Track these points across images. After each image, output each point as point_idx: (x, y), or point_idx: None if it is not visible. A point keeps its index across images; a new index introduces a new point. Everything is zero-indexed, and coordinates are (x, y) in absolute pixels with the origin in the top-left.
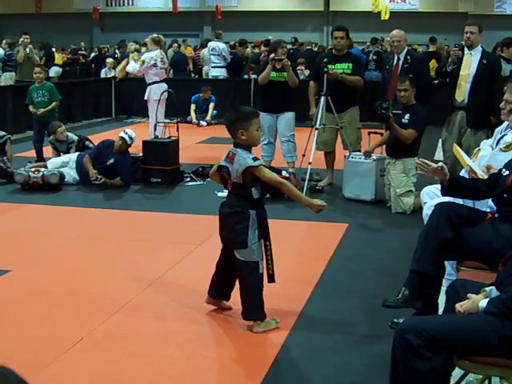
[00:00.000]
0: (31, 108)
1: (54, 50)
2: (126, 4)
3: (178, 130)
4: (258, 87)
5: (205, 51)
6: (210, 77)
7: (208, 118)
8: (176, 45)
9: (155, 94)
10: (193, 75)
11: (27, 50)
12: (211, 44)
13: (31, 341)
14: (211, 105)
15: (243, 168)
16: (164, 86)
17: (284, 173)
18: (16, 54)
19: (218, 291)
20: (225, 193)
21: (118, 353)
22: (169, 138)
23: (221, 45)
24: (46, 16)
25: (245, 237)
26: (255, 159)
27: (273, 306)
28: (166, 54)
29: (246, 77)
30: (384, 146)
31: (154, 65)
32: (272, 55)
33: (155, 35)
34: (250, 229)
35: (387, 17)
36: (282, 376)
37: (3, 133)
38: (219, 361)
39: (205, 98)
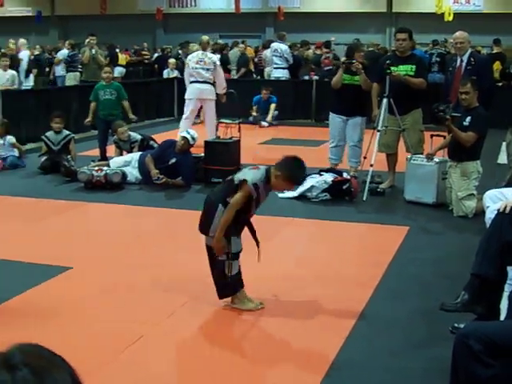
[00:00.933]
0: (93, 105)
1: (117, 50)
2: (188, 5)
3: (239, 131)
4: (330, 90)
5: (267, 52)
6: (272, 78)
7: (269, 118)
8: (242, 46)
9: (189, 93)
10: (254, 76)
11: (93, 50)
12: (274, 45)
13: (92, 337)
14: (272, 105)
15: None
16: (195, 86)
17: (345, 175)
18: (82, 55)
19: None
20: (285, 193)
21: (175, 352)
22: (230, 138)
23: (283, 46)
24: (110, 17)
25: (208, 225)
26: (251, 182)
27: (332, 307)
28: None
29: (306, 78)
30: (446, 149)
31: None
32: (343, 58)
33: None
34: (215, 220)
35: (451, 18)
36: (339, 379)
37: (67, 132)
38: (275, 363)
39: (265, 98)
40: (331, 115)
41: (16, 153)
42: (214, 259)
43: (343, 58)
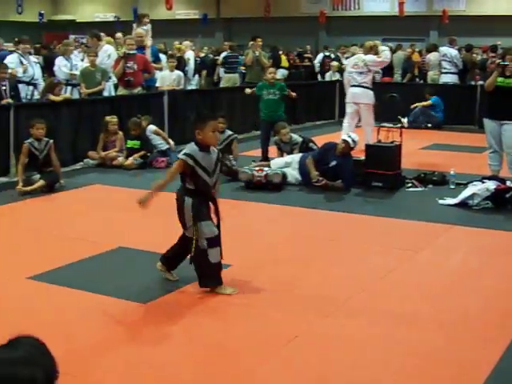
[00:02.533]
0: (248, 90)
1: (280, 52)
2: (352, 8)
3: (401, 135)
4: (485, 93)
5: (431, 56)
6: (441, 83)
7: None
8: (410, 50)
9: (347, 97)
10: (417, 80)
11: (256, 52)
12: (443, 49)
13: (248, 336)
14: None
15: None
16: (351, 90)
17: (508, 183)
18: (245, 57)
19: (167, 259)
20: (446, 200)
21: (330, 354)
22: (391, 142)
23: (453, 51)
24: (273, 20)
25: (183, 219)
26: (184, 154)
27: (485, 323)
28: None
29: (472, 83)
30: None
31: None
32: (498, 60)
33: None
34: (186, 213)
35: None
36: None
37: (230, 132)
38: (422, 372)
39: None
40: (485, 120)
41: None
42: (195, 248)
43: (498, 60)
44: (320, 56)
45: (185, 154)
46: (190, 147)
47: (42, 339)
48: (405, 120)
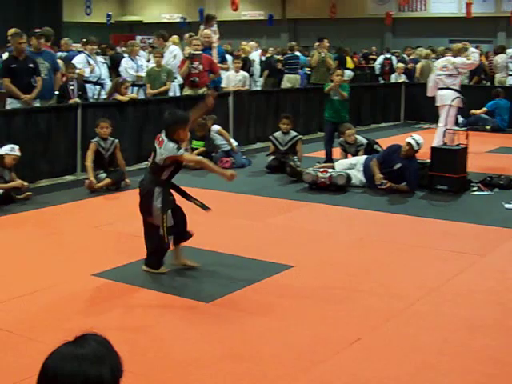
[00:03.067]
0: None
1: (345, 54)
2: (418, 9)
3: (467, 138)
4: None
5: (498, 58)
6: (507, 85)
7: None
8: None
9: (436, 100)
10: (484, 82)
11: (322, 53)
12: (510, 51)
13: (309, 336)
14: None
15: (169, 155)
16: (438, 93)
17: None
18: (310, 58)
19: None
20: None
21: (393, 357)
22: (457, 145)
23: None
24: (339, 21)
25: (150, 208)
26: (179, 148)
27: None
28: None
29: None
30: None
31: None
32: None
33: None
34: (155, 202)
35: None
36: None
37: (295, 133)
38: (490, 380)
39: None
40: None
41: (233, 143)
42: (153, 233)
43: None
44: (381, 58)
45: (178, 148)
46: (176, 145)
47: (106, 337)
48: (460, 120)
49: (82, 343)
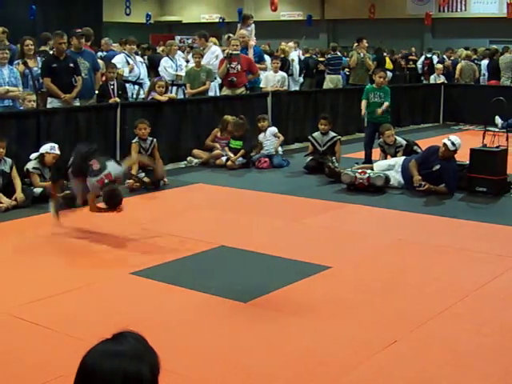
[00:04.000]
0: (363, 104)
1: (385, 54)
2: (458, 9)
3: (507, 140)
4: None
5: None
6: None
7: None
8: None
9: None
10: None
11: (361, 54)
12: None
13: (345, 338)
14: None
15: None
16: None
17: None
18: (349, 58)
19: None
20: None
21: (430, 359)
22: (497, 147)
23: None
24: (378, 21)
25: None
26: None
27: None
28: None
29: None
30: None
31: None
32: None
33: None
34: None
35: None
36: None
37: (334, 134)
38: None
39: None
40: None
41: (280, 150)
42: None
43: None
44: (422, 58)
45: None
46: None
47: (143, 335)
48: (499, 121)
49: (121, 340)
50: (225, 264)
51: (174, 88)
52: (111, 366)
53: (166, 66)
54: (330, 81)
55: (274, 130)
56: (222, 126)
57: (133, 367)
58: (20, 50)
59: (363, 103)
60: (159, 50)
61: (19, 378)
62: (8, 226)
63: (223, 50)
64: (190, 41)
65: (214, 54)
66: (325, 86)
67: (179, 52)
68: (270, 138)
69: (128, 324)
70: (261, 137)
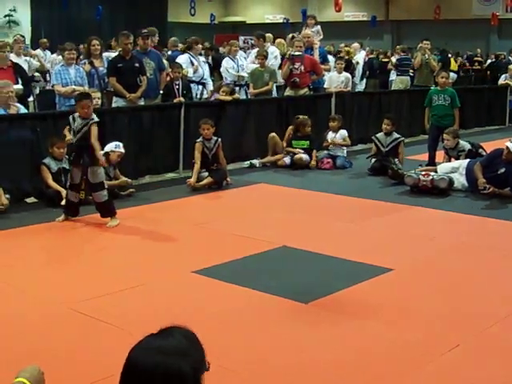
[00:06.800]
0: (426, 113)
1: (450, 55)
2: None
3: None
4: None
5: None
6: None
7: None
8: None
9: None
10: None
11: (425, 55)
12: None
13: (407, 341)
14: None
15: None
16: None
17: None
18: (413, 60)
19: None
20: None
21: (493, 364)
22: None
23: None
24: (443, 22)
25: None
26: None
27: None
28: None
29: None
30: None
31: None
32: None
33: None
34: None
35: None
36: None
37: (398, 135)
38: None
39: None
40: None
41: (344, 152)
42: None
43: None
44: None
45: None
46: None
47: (193, 330)
48: None
49: (166, 336)
50: (286, 264)
51: (236, 88)
52: (152, 361)
53: (227, 67)
54: (401, 82)
55: (344, 133)
56: (295, 124)
57: (173, 363)
58: (86, 49)
59: (426, 112)
60: (222, 50)
61: (71, 376)
62: (70, 223)
63: (286, 52)
64: (253, 41)
65: (272, 55)
66: (394, 87)
67: (241, 52)
68: (339, 140)
69: (185, 321)
70: (330, 136)
